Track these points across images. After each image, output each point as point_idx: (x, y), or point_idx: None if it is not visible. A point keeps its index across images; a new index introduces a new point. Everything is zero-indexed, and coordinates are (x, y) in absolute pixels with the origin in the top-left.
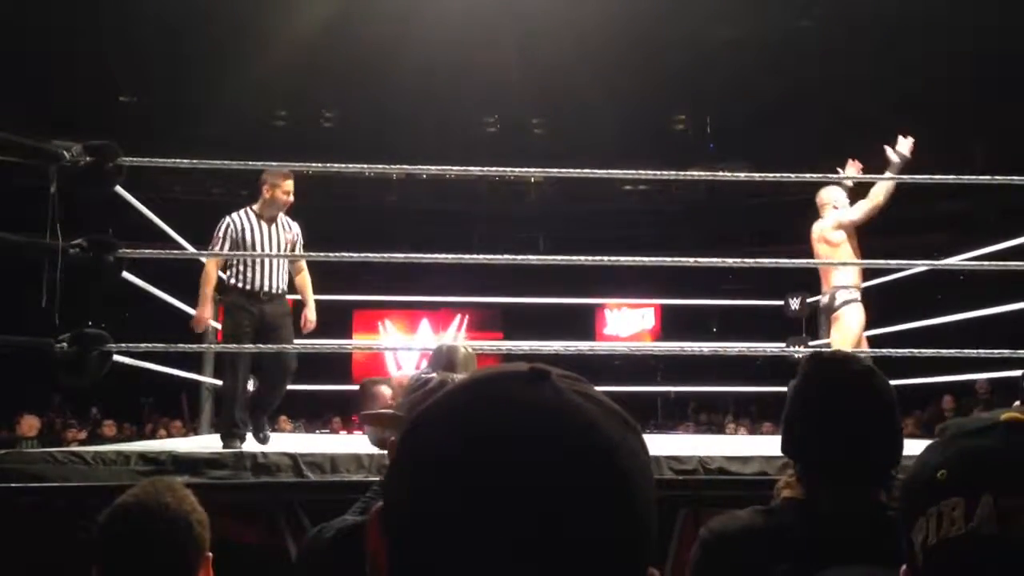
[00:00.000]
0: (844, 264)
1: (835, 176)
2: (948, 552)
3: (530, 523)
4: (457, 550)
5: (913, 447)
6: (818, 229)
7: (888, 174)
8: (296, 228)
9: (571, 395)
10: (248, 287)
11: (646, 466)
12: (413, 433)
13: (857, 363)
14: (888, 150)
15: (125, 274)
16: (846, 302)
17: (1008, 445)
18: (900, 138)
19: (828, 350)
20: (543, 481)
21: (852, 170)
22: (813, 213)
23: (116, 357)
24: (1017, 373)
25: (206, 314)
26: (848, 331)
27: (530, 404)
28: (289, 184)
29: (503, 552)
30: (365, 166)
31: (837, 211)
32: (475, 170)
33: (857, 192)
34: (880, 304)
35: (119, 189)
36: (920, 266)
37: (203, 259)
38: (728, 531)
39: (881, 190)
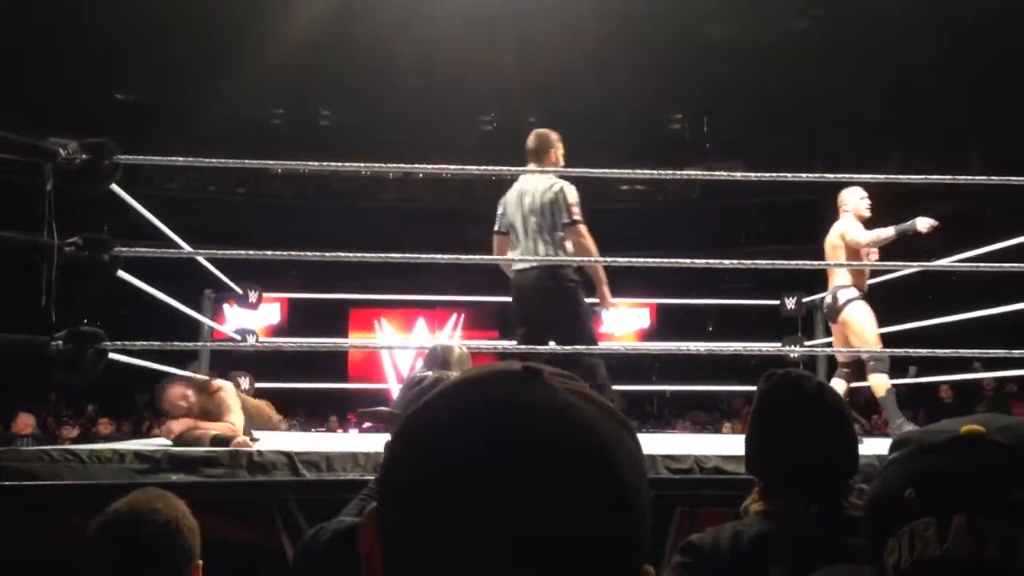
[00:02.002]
0: (840, 265)
1: (832, 176)
2: (924, 574)
3: (526, 523)
4: (453, 551)
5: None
6: (830, 231)
7: (892, 228)
8: None
9: (564, 394)
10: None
11: (640, 464)
12: (406, 433)
13: (808, 381)
14: (921, 221)
15: (121, 272)
16: (849, 301)
17: (974, 461)
18: (926, 219)
19: (781, 370)
20: (537, 480)
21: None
22: (808, 213)
23: (112, 355)
24: (1014, 373)
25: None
26: (862, 332)
27: (523, 403)
28: None
29: (499, 552)
30: (362, 165)
31: (846, 224)
32: (472, 169)
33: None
34: (874, 304)
35: (115, 187)
36: (914, 267)
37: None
38: (719, 543)
39: (884, 235)
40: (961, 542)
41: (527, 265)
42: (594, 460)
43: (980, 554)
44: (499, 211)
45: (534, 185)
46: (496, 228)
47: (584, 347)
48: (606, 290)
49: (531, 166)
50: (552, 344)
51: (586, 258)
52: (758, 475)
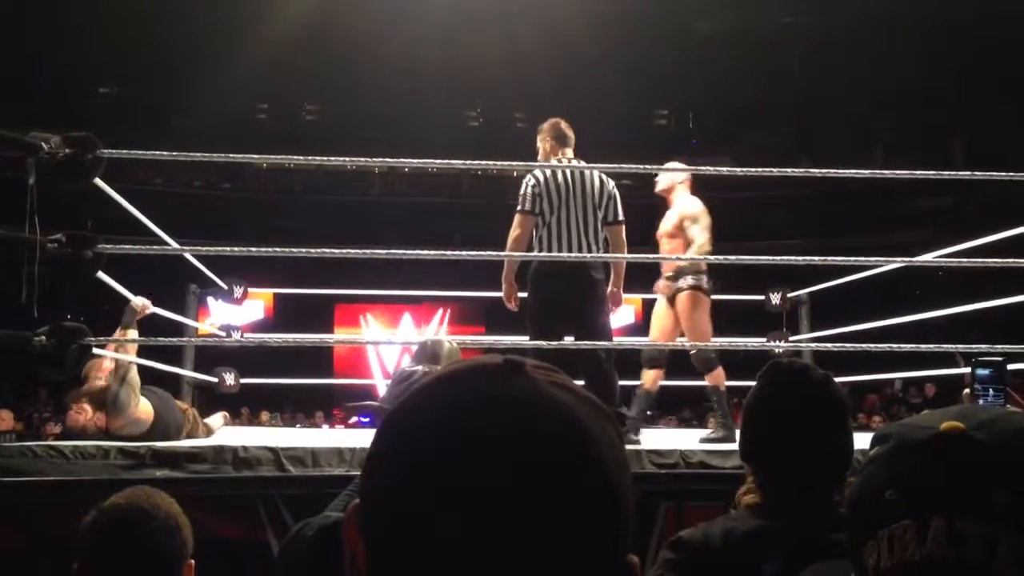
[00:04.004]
0: (837, 261)
1: (818, 171)
2: None
3: (509, 519)
4: (435, 547)
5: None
6: None
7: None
8: None
9: (546, 386)
10: None
11: (622, 455)
12: (388, 429)
13: (814, 373)
14: None
15: (101, 274)
16: None
17: (954, 462)
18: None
19: (786, 359)
20: (520, 477)
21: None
22: (797, 209)
23: (96, 351)
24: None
25: None
26: None
27: (504, 397)
28: None
29: (482, 548)
30: (347, 159)
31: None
32: (458, 164)
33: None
34: (862, 301)
35: (99, 181)
36: (899, 263)
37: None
38: (710, 539)
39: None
40: (940, 546)
41: (564, 255)
42: (575, 453)
43: (959, 558)
44: (534, 190)
45: (585, 176)
46: (529, 208)
47: (591, 343)
48: (621, 290)
49: (569, 153)
50: (568, 336)
51: (573, 256)
52: (754, 466)
